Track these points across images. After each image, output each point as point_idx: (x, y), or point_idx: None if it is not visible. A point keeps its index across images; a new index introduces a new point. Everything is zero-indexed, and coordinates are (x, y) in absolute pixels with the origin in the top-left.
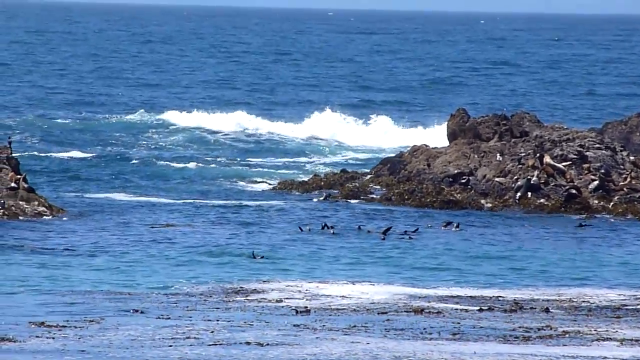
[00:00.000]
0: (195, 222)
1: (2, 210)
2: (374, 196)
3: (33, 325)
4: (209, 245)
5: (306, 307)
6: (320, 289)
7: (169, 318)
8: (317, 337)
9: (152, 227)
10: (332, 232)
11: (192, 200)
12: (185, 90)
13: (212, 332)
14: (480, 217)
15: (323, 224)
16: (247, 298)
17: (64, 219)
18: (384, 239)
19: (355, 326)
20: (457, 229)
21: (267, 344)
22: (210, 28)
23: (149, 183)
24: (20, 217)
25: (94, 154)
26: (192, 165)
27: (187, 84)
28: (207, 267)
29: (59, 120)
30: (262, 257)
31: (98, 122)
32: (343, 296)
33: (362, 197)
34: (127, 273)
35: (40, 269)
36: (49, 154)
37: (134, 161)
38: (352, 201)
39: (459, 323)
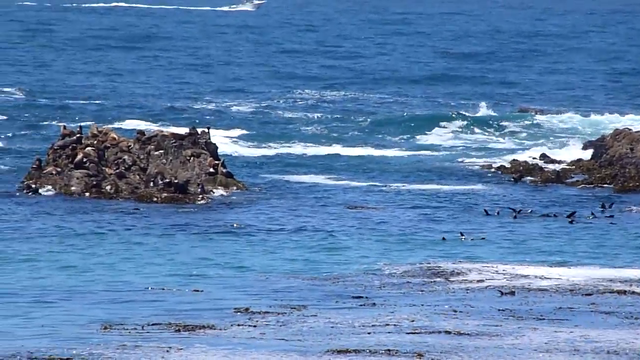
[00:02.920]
0: (392, 204)
1: (202, 195)
2: (574, 180)
3: (237, 313)
4: (405, 227)
5: (511, 289)
6: (517, 271)
7: (374, 304)
8: (519, 326)
9: (351, 209)
10: (514, 215)
11: (391, 185)
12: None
13: (413, 320)
14: None
15: (517, 209)
16: (448, 279)
17: (263, 202)
18: (571, 222)
19: (560, 308)
20: (608, 209)
21: (467, 333)
22: None
23: (350, 167)
24: (220, 202)
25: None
26: (392, 150)
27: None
28: (404, 249)
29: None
30: (483, 238)
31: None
32: (542, 277)
33: (562, 182)
34: (328, 255)
35: (241, 251)
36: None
37: (332, 146)
38: (552, 185)
39: None
